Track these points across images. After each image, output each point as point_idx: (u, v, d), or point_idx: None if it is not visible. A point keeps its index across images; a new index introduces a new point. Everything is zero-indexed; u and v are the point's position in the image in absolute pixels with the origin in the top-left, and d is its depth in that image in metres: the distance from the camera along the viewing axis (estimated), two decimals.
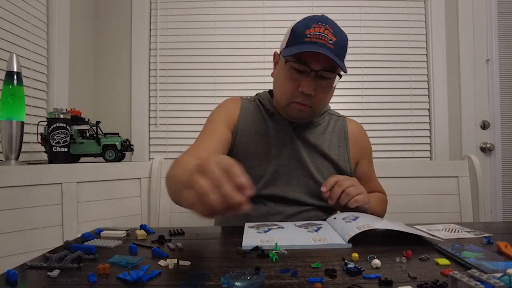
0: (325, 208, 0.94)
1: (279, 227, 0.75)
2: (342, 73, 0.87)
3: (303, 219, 0.88)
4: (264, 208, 0.91)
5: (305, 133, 0.96)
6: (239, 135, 0.95)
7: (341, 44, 0.85)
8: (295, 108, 0.88)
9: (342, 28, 0.89)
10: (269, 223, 0.80)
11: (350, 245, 0.61)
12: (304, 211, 0.92)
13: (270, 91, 1.03)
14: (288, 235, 0.68)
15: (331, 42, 0.82)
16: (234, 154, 0.95)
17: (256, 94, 1.05)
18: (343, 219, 0.74)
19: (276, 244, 0.59)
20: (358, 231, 0.62)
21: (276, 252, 0.56)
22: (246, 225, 0.77)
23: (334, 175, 0.86)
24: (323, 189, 0.83)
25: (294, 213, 0.91)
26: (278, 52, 0.95)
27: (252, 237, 0.66)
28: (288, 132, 0.95)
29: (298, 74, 0.85)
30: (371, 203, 0.87)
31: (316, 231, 0.71)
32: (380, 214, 0.99)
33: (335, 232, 0.69)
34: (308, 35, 0.82)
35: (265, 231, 0.72)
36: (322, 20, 0.85)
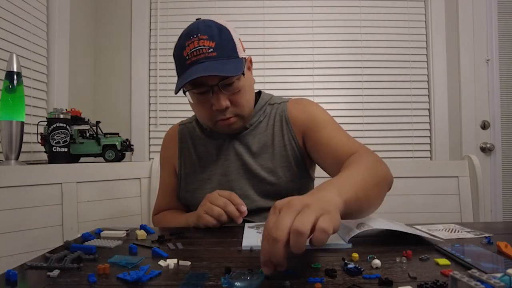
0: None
1: None
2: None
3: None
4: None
5: (247, 137, 0.92)
6: (184, 168, 0.97)
7: (223, 43, 0.80)
8: (222, 125, 0.85)
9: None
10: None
11: (350, 245, 0.61)
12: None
13: None
14: None
15: (212, 49, 0.78)
16: (187, 187, 0.96)
17: (192, 116, 1.03)
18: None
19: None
20: (358, 231, 0.62)
21: None
22: (246, 225, 0.77)
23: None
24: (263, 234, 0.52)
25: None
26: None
27: (252, 237, 0.66)
28: (230, 144, 0.92)
29: (203, 96, 0.82)
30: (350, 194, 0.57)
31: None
32: (373, 184, 0.67)
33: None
34: (187, 57, 0.79)
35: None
36: (192, 32, 0.79)
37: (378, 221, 0.69)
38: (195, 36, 0.79)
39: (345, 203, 0.53)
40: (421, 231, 0.70)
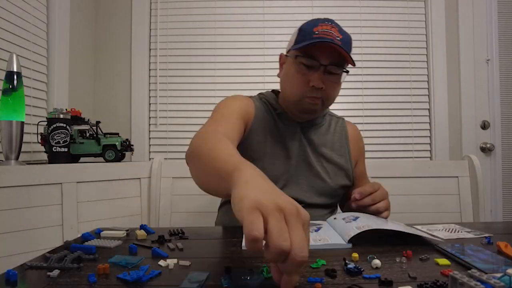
0: (330, 206, 0.98)
1: None
2: (348, 68, 0.90)
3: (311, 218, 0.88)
4: None
5: (311, 133, 0.99)
6: (254, 133, 0.94)
7: (347, 41, 0.89)
8: (307, 102, 0.90)
9: (342, 28, 0.91)
10: None
11: (350, 245, 0.61)
12: (311, 209, 0.93)
13: (274, 91, 1.05)
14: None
15: (338, 39, 0.85)
16: (249, 152, 0.92)
17: (260, 93, 1.05)
18: (343, 219, 0.74)
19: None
20: (358, 231, 0.62)
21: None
22: None
23: (370, 185, 0.84)
24: (357, 196, 0.81)
25: None
26: (285, 53, 0.96)
27: None
28: (296, 132, 0.97)
29: (307, 69, 0.87)
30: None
31: (316, 231, 0.71)
32: None
33: (335, 232, 0.69)
34: (317, 32, 0.85)
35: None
36: (328, 20, 0.89)
37: (378, 221, 0.69)
38: (329, 23, 0.88)
39: None
40: (421, 231, 0.70)
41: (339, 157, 1.00)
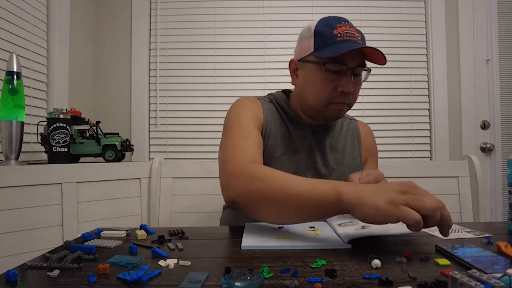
0: None
1: (279, 227, 0.75)
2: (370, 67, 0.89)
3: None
4: None
5: (323, 137, 0.97)
6: (265, 138, 0.91)
7: (364, 39, 0.88)
8: (334, 108, 0.88)
9: None
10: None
11: (349, 246, 0.60)
12: None
13: (284, 92, 1.02)
14: (288, 236, 0.68)
15: (359, 38, 0.85)
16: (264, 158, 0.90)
17: (270, 94, 1.01)
18: (345, 222, 0.74)
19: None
20: (359, 234, 0.62)
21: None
22: (247, 225, 0.77)
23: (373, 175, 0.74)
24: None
25: None
26: (297, 59, 0.92)
27: (251, 237, 0.66)
28: (307, 137, 0.94)
29: (334, 74, 0.85)
30: None
31: (315, 231, 0.71)
32: None
33: (334, 233, 0.69)
34: (339, 35, 0.83)
35: (266, 231, 0.72)
36: (342, 20, 0.86)
37: (376, 230, 0.68)
38: (345, 22, 0.86)
39: None
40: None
41: (351, 160, 0.98)
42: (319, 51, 0.84)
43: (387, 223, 0.53)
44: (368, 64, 0.89)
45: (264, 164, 0.87)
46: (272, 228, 0.74)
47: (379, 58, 0.84)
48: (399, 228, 0.66)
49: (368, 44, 0.87)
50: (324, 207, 0.61)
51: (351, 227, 0.69)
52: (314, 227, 0.74)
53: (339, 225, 0.73)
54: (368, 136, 1.06)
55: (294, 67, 0.95)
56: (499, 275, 0.37)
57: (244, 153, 0.79)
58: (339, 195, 0.58)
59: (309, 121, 0.95)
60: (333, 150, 0.97)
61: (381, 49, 0.85)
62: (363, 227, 0.68)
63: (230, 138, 0.84)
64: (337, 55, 0.80)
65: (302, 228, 0.74)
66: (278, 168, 0.84)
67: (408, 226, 0.52)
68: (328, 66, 0.83)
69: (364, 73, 0.89)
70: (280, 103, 0.97)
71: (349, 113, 1.89)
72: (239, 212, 0.87)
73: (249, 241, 0.63)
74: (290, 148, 0.93)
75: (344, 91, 0.84)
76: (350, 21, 0.89)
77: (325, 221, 0.81)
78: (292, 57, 0.96)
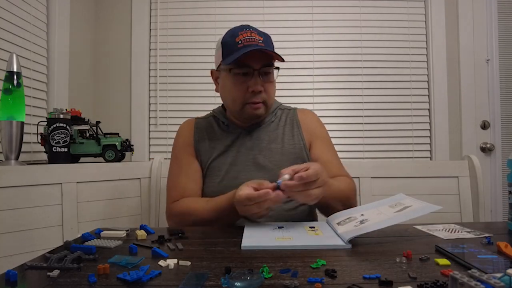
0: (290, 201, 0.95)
1: (279, 227, 0.75)
2: (279, 65, 0.97)
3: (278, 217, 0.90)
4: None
5: (260, 133, 1.03)
6: (203, 153, 1.02)
7: (268, 41, 0.97)
8: (250, 108, 0.96)
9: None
10: (269, 223, 0.80)
11: (349, 246, 0.61)
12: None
13: (223, 106, 1.10)
14: (288, 236, 0.68)
15: (260, 41, 0.93)
16: (208, 171, 1.01)
17: (212, 111, 1.12)
18: (343, 220, 0.74)
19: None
20: (358, 234, 0.62)
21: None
22: (247, 225, 0.78)
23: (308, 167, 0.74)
24: (286, 176, 0.73)
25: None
26: (216, 69, 1.03)
27: (251, 237, 0.66)
28: (245, 138, 1.02)
29: (243, 77, 0.94)
30: (330, 185, 0.82)
31: (315, 231, 0.71)
32: (344, 194, 0.92)
33: (334, 232, 0.69)
34: (239, 42, 0.92)
35: (266, 231, 0.72)
36: (245, 27, 0.96)
37: (375, 224, 0.68)
38: (247, 29, 0.95)
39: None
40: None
41: (292, 147, 1.02)
42: (225, 59, 0.95)
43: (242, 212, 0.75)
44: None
45: (213, 174, 0.99)
46: (272, 228, 0.74)
47: (278, 57, 0.93)
48: (392, 219, 0.66)
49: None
50: (224, 213, 0.83)
51: (350, 224, 0.69)
52: (314, 227, 0.74)
53: (338, 223, 0.73)
54: (309, 119, 1.09)
55: (216, 76, 1.05)
56: (499, 275, 0.37)
57: (171, 193, 1.01)
58: (229, 201, 0.79)
59: (242, 124, 1.03)
60: (272, 142, 1.02)
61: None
62: (361, 222, 0.68)
63: (169, 172, 1.06)
64: (235, 58, 0.89)
65: (302, 228, 0.74)
66: (217, 167, 1.00)
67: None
68: (235, 70, 0.94)
69: (275, 72, 0.98)
70: (217, 115, 1.08)
71: (348, 112, 1.89)
72: None
73: (248, 241, 0.63)
74: (224, 153, 1.00)
75: (254, 91, 0.93)
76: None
77: (326, 221, 0.81)
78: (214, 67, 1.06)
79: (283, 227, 0.75)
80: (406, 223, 0.73)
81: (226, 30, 0.96)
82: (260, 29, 0.99)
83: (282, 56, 0.94)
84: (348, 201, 0.92)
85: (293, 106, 1.15)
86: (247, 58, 0.91)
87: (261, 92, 0.94)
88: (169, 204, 0.99)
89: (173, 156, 1.06)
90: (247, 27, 0.97)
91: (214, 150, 1.01)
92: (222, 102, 1.09)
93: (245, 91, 0.94)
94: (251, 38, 0.93)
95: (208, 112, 1.13)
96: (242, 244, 0.61)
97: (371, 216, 0.71)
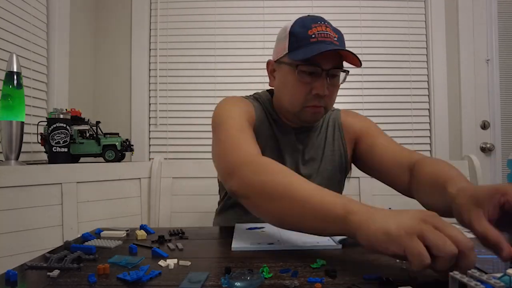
0: None
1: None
2: (350, 68, 0.86)
3: None
4: None
5: (305, 138, 0.95)
6: (257, 138, 0.85)
7: (343, 40, 0.85)
8: (310, 112, 0.85)
9: (342, 28, 0.89)
10: (259, 224, 0.79)
11: (340, 246, 0.60)
12: None
13: (270, 91, 0.99)
14: (278, 236, 0.67)
15: (335, 39, 0.82)
16: None
17: (256, 94, 0.99)
18: None
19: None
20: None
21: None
22: (237, 226, 0.77)
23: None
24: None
25: None
26: (274, 60, 0.91)
27: (241, 239, 0.66)
28: (291, 140, 0.93)
29: (309, 76, 0.82)
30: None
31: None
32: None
33: None
34: (313, 36, 0.80)
35: (255, 230, 0.71)
36: (319, 19, 0.84)
37: None
38: (321, 22, 0.83)
39: None
40: None
41: (331, 153, 0.96)
42: (293, 52, 0.83)
43: (389, 254, 0.43)
44: (348, 65, 0.86)
45: None
46: (262, 229, 0.74)
47: (354, 60, 0.82)
48: None
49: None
50: (329, 220, 0.52)
51: None
52: None
53: None
54: (352, 121, 1.00)
55: (272, 68, 0.93)
56: (499, 275, 0.37)
57: (247, 143, 0.74)
58: (348, 212, 0.50)
59: (291, 124, 0.93)
60: (314, 147, 0.95)
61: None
62: None
63: (225, 131, 0.78)
64: (308, 56, 0.78)
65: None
66: None
67: (409, 262, 0.41)
68: (302, 68, 0.81)
69: (342, 75, 0.87)
70: (265, 103, 0.95)
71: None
72: (232, 218, 0.84)
73: (238, 243, 0.63)
74: (277, 150, 0.92)
75: (319, 94, 0.82)
76: (338, 22, 0.88)
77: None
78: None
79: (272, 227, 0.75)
80: None
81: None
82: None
83: None
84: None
85: None
86: (319, 56, 0.78)
87: (325, 96, 0.83)
88: (247, 155, 0.70)
89: (228, 117, 0.82)
90: (321, 19, 0.84)
91: (268, 139, 0.91)
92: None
93: (308, 92, 0.83)
94: (326, 34, 0.81)
95: (250, 95, 0.98)
96: (232, 246, 0.61)
97: None
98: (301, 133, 0.94)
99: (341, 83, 0.88)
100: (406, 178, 0.83)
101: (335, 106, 0.98)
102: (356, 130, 0.98)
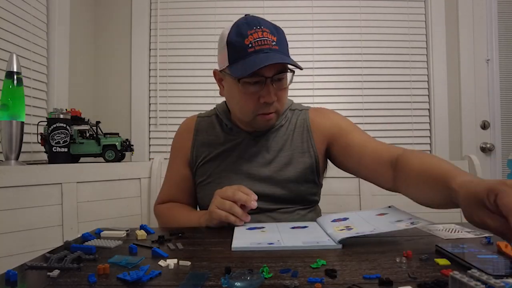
0: (294, 201, 0.92)
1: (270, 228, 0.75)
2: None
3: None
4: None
5: (268, 140, 0.93)
6: (199, 159, 0.95)
7: (282, 40, 0.83)
8: (261, 120, 0.86)
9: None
10: (259, 224, 0.79)
11: (340, 246, 0.60)
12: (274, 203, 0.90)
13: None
14: (278, 236, 0.67)
15: (274, 43, 0.80)
16: (203, 177, 0.94)
17: (217, 104, 1.02)
18: (333, 221, 0.74)
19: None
20: (349, 235, 0.62)
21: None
22: (237, 226, 0.77)
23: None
24: None
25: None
26: (219, 70, 0.90)
27: (242, 238, 0.66)
28: (248, 144, 0.92)
29: (253, 86, 0.82)
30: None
31: (305, 231, 0.71)
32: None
33: (324, 233, 0.69)
34: (250, 45, 0.79)
35: (256, 230, 0.72)
36: (254, 24, 0.81)
37: (365, 225, 0.68)
38: (258, 27, 0.80)
39: None
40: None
41: (301, 154, 0.92)
42: (232, 66, 0.82)
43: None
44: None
45: (210, 181, 0.93)
46: (262, 229, 0.74)
47: (295, 66, 0.81)
48: (386, 227, 0.65)
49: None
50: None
51: (340, 225, 0.69)
52: (304, 227, 0.74)
53: (329, 223, 0.73)
54: (322, 121, 0.96)
55: (219, 77, 0.93)
56: (510, 280, 0.37)
57: (160, 195, 1.03)
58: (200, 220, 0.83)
59: (249, 129, 0.93)
60: (277, 149, 0.92)
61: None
62: (348, 228, 0.67)
63: (165, 177, 1.04)
64: (246, 74, 0.77)
65: (292, 227, 0.74)
66: (218, 179, 0.92)
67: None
68: (245, 80, 0.80)
69: (288, 75, 0.86)
70: (220, 115, 0.98)
71: (349, 113, 1.89)
72: None
73: (240, 242, 0.63)
74: (227, 159, 0.92)
75: (267, 102, 0.82)
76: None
77: (315, 221, 0.80)
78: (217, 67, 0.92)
79: (275, 227, 0.75)
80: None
81: None
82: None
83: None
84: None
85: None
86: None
87: (273, 102, 0.83)
88: (156, 203, 1.03)
89: (170, 155, 1.04)
90: (257, 23, 0.81)
91: (217, 156, 0.93)
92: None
93: (256, 101, 0.83)
94: (263, 40, 0.79)
95: (212, 108, 1.04)
96: (232, 246, 0.61)
97: (357, 222, 0.71)
98: (260, 136, 0.93)
99: (289, 84, 0.87)
100: (389, 174, 0.81)
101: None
102: (326, 131, 0.94)
